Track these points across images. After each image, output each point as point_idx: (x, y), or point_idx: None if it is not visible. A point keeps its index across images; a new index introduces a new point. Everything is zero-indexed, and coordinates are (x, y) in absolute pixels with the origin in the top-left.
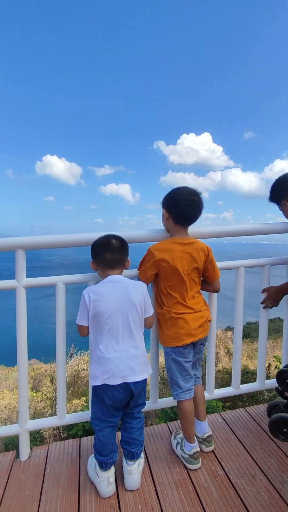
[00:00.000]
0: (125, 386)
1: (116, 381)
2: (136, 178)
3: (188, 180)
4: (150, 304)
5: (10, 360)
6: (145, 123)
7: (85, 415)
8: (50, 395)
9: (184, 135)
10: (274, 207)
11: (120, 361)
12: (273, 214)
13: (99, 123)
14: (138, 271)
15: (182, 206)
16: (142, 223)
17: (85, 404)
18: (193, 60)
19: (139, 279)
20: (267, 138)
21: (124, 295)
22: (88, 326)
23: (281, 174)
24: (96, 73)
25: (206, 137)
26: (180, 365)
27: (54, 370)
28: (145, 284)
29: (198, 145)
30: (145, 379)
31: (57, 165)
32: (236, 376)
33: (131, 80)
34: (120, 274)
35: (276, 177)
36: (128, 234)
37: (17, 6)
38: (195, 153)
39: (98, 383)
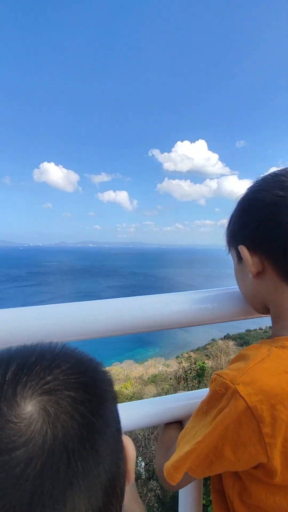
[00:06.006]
0: None
1: None
2: (133, 185)
3: (184, 187)
4: None
5: None
6: (139, 131)
7: None
8: None
9: (179, 142)
10: None
11: None
12: None
13: (94, 132)
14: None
15: None
16: (140, 230)
17: None
18: (185, 67)
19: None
20: (259, 146)
21: None
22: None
23: None
24: (89, 82)
25: (201, 144)
26: None
27: None
28: None
29: (193, 152)
30: None
31: (54, 172)
32: None
33: (124, 88)
34: None
35: None
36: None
37: (10, 10)
38: (190, 160)
39: None
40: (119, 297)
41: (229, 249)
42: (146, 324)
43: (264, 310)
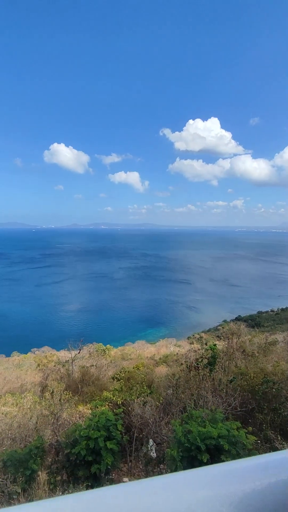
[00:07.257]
0: None
1: None
2: (144, 166)
3: (196, 168)
4: None
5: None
6: (150, 110)
7: None
8: (55, 401)
9: (190, 121)
10: (284, 194)
11: None
12: (285, 202)
13: (104, 111)
14: None
15: None
16: (152, 211)
17: (90, 417)
18: (197, 43)
19: None
20: (273, 124)
21: None
22: None
23: None
24: (101, 62)
25: (214, 123)
26: None
27: (67, 360)
28: None
29: (205, 131)
30: None
31: (64, 154)
32: None
33: (135, 66)
34: None
35: None
36: None
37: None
38: (202, 139)
39: None
40: (130, 278)
41: None
42: None
43: None
